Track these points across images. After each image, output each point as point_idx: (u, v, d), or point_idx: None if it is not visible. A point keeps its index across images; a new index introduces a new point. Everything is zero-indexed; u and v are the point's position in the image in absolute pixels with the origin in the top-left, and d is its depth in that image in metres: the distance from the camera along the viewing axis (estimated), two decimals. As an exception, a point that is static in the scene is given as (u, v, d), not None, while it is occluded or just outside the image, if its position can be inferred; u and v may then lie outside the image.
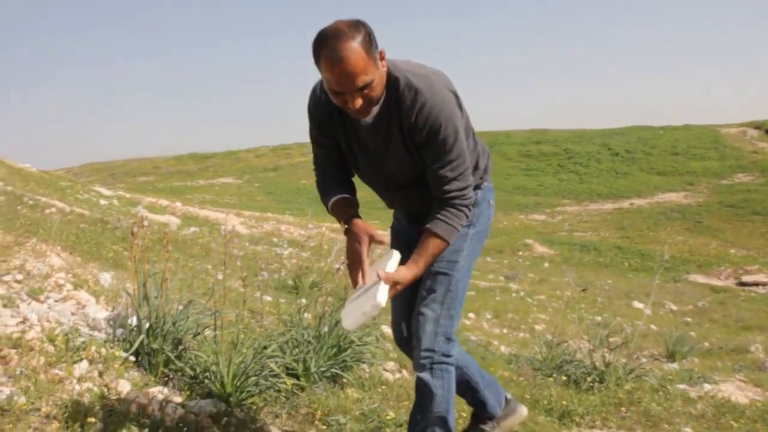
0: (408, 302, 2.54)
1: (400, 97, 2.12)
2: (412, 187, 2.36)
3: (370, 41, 2.01)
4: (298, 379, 3.67)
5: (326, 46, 1.97)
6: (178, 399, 3.21)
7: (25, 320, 3.42)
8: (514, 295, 13.48)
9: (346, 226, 2.28)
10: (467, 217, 2.29)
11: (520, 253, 26.51)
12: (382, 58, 2.08)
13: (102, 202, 14.92)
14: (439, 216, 2.23)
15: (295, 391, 3.54)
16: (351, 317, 2.19)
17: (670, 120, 57.89)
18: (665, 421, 3.65)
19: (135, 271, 3.58)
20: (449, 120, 2.12)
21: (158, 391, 3.19)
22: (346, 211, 2.32)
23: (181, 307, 3.61)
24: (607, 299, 13.13)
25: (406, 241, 2.45)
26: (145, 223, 3.75)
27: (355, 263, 2.23)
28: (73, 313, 3.88)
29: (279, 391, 3.48)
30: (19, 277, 4.16)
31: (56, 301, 4.02)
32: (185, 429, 2.77)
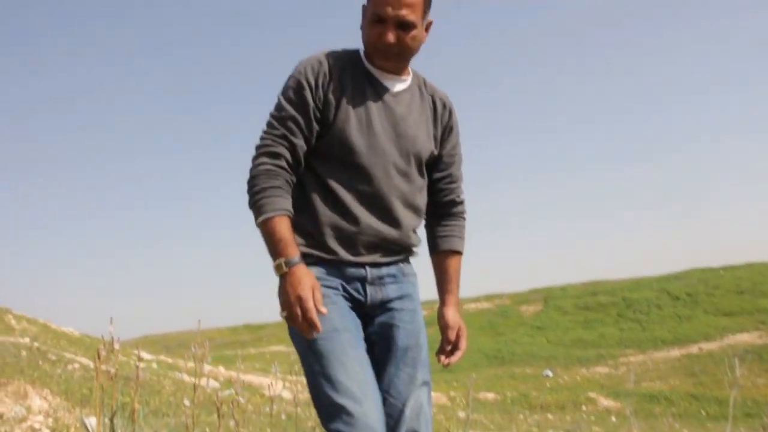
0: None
1: (432, 89, 2.07)
2: (412, 177, 1.97)
3: None
4: None
5: None
6: None
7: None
8: (577, 449, 12.27)
9: (297, 266, 1.73)
10: None
11: (584, 407, 25.09)
12: (428, 28, 1.95)
13: (141, 365, 14.53)
14: (453, 234, 2.09)
15: None
16: None
17: (730, 259, 56.31)
18: None
19: (100, 402, 3.05)
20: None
21: None
22: (293, 242, 1.77)
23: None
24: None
25: (355, 326, 1.88)
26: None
27: (312, 298, 1.67)
28: (35, 459, 3.32)
29: None
30: (-12, 420, 3.66)
31: (22, 446, 3.48)
32: None
